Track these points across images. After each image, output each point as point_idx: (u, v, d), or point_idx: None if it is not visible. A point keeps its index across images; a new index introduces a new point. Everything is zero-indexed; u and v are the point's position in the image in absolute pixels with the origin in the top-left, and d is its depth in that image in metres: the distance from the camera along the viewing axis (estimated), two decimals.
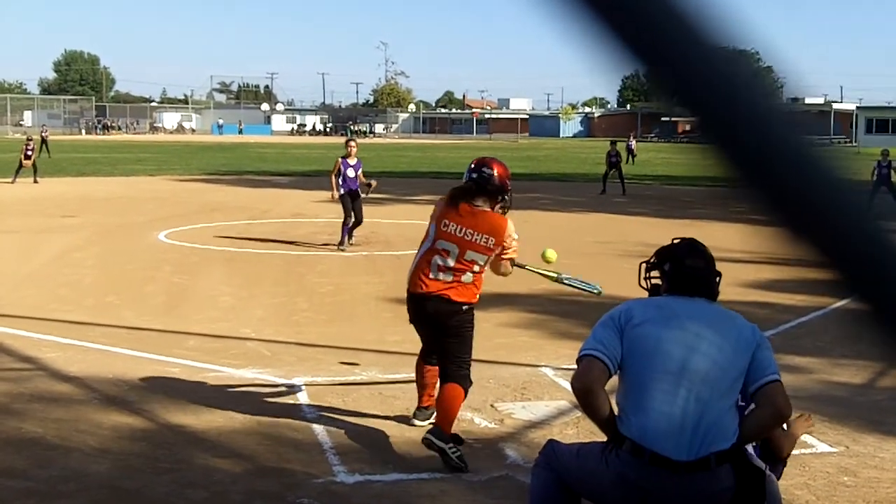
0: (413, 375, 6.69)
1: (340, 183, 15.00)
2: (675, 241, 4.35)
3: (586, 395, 3.97)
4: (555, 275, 6.82)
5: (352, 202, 15.05)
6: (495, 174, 6.26)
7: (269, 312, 10.15)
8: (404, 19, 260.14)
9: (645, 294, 4.46)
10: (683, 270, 4.19)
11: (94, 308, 10.20)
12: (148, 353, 8.19)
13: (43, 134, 43.79)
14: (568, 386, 7.38)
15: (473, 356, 8.22)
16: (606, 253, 14.99)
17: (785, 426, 4.26)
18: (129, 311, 10.05)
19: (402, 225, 18.84)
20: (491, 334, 9.15)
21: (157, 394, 7.00)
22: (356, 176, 15.08)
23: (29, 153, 30.04)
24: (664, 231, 16.66)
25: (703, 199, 26.48)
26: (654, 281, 4.45)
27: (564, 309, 10.47)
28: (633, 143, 52.51)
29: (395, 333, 9.17)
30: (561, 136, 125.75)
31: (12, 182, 29.18)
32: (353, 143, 15.36)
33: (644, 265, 4.51)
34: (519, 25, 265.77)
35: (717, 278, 4.23)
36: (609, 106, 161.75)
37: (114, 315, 9.84)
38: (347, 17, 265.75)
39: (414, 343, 8.74)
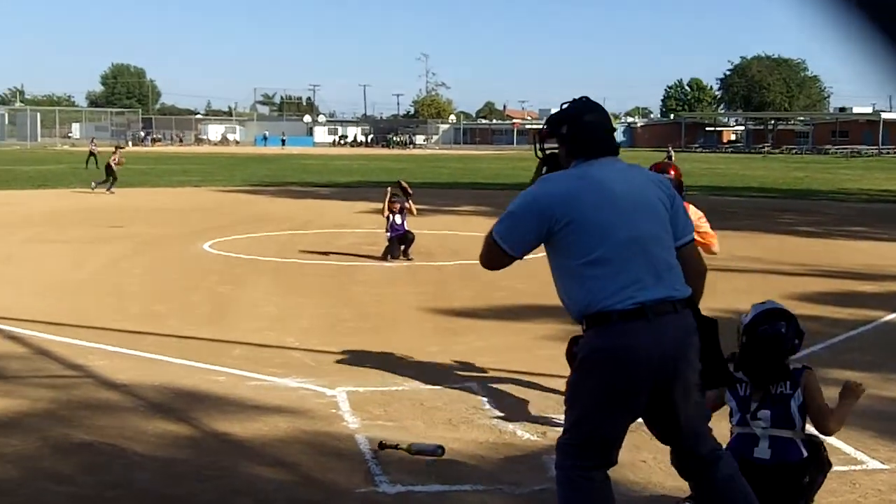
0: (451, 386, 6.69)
1: (389, 227, 15.23)
2: (566, 104, 4.30)
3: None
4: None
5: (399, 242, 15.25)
6: (672, 177, 6.59)
7: (313, 322, 10.22)
8: (445, 31, 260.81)
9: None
10: (585, 128, 4.21)
11: (141, 317, 10.32)
12: (194, 361, 8.27)
13: (92, 147, 44.15)
14: None
15: (515, 368, 8.26)
16: None
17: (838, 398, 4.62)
18: (176, 320, 10.16)
19: (443, 236, 18.90)
20: (531, 346, 9.17)
21: (203, 402, 7.07)
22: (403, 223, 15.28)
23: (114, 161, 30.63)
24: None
25: (750, 210, 26.25)
26: (550, 150, 4.49)
27: None
28: (672, 153, 52.33)
29: (436, 344, 9.21)
30: None
31: (110, 192, 29.59)
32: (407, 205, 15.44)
33: (537, 134, 4.52)
34: (559, 35, 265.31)
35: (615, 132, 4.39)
36: (652, 116, 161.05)
37: (160, 324, 9.96)
38: (389, 30, 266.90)
39: (456, 355, 8.79)
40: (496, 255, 4.32)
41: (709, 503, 4.27)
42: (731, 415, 4.78)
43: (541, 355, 8.71)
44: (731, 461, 4.22)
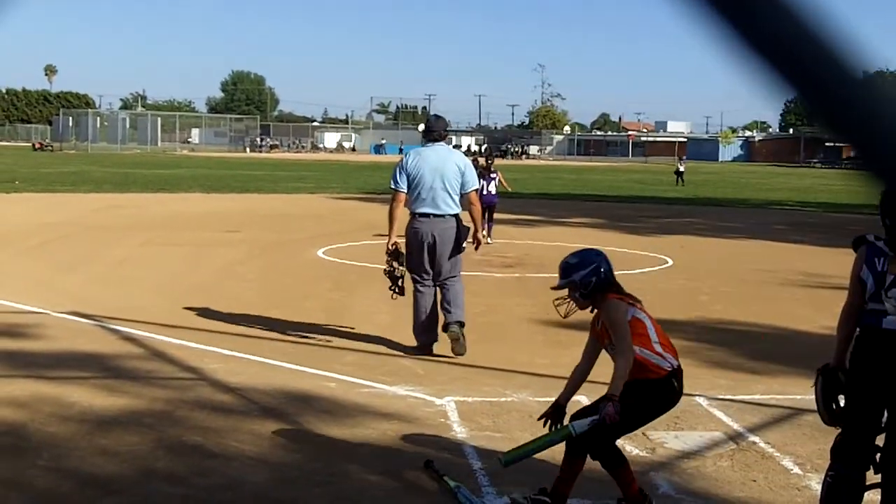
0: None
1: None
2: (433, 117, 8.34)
3: None
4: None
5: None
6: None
7: None
8: (562, 42, 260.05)
9: None
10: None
11: (256, 321, 10.50)
12: (306, 367, 8.38)
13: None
14: (723, 416, 7.24)
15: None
16: (766, 281, 14.60)
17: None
18: (289, 325, 10.31)
19: (554, 247, 18.77)
20: None
21: (314, 407, 7.16)
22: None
23: None
24: (826, 260, 16.29)
25: (870, 229, 25.34)
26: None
27: (720, 337, 10.25)
28: (682, 166, 51.58)
29: (546, 356, 9.15)
30: (720, 160, 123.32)
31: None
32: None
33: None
34: (676, 46, 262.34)
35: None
36: (770, 130, 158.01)
37: (274, 328, 10.11)
38: (505, 40, 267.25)
39: (565, 367, 8.69)
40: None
41: None
42: (865, 291, 4.66)
43: None
44: None
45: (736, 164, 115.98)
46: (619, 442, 6.46)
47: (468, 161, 9.55)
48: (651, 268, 15.60)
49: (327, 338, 9.71)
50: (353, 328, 10.27)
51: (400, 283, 9.42)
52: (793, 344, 9.98)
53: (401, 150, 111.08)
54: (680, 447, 6.45)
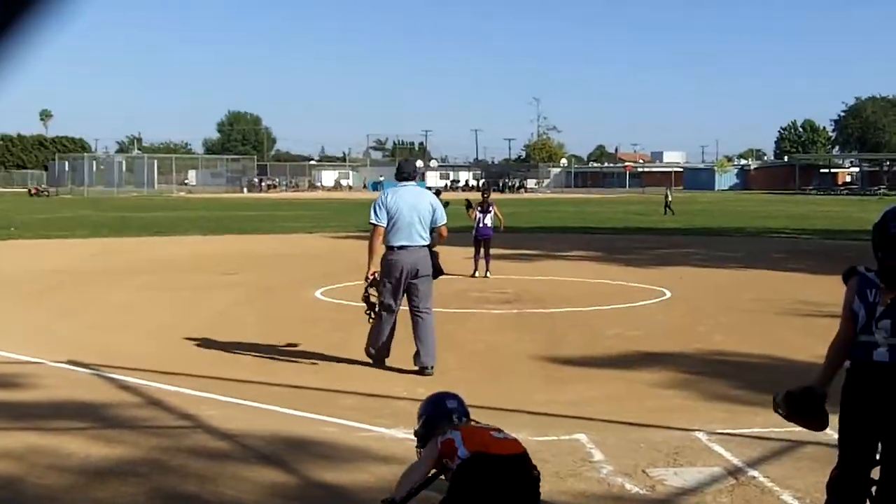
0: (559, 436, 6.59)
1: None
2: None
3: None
4: None
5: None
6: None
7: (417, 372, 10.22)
8: (556, 75, 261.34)
9: None
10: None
11: (253, 365, 10.47)
12: (304, 411, 8.33)
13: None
14: (723, 451, 7.20)
15: (624, 418, 8.11)
16: (764, 311, 14.58)
17: None
18: (287, 369, 10.28)
19: (553, 282, 18.80)
20: (643, 395, 9.02)
21: (312, 453, 7.11)
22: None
23: None
24: (824, 288, 16.25)
25: (865, 255, 25.32)
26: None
27: (719, 369, 10.23)
28: (670, 195, 52.08)
29: (545, 392, 9.13)
30: (716, 188, 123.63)
31: None
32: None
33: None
34: (671, 76, 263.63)
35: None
36: (766, 158, 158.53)
37: (271, 372, 10.08)
38: (500, 75, 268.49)
39: (564, 405, 8.68)
40: None
41: None
42: (857, 323, 4.65)
43: (650, 405, 8.57)
44: None
45: (732, 192, 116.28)
46: (619, 479, 6.43)
47: (437, 200, 10.66)
48: (649, 300, 15.57)
49: (325, 380, 9.67)
50: (350, 370, 10.24)
51: (376, 309, 10.24)
52: (792, 374, 9.88)
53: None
54: (679, 484, 6.41)
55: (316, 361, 10.78)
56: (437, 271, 10.45)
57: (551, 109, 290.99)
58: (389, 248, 10.13)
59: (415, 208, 10.14)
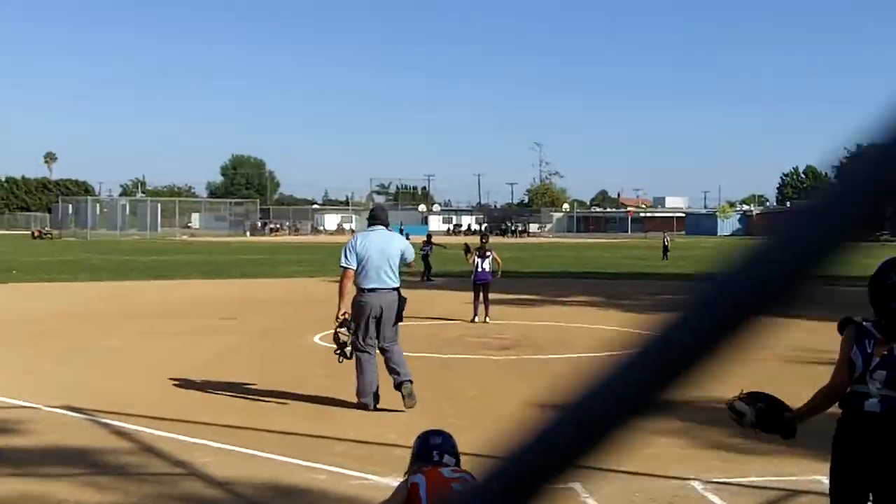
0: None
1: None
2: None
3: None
4: None
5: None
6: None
7: (415, 417, 10.15)
8: (558, 120, 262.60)
9: None
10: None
11: (247, 411, 10.43)
12: (296, 458, 8.29)
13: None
14: (718, 501, 7.14)
15: (620, 466, 8.05)
16: (764, 358, 14.48)
17: None
18: (280, 415, 10.23)
19: (552, 328, 18.75)
20: (638, 444, 8.95)
21: (304, 501, 7.08)
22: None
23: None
24: (824, 335, 16.11)
25: (866, 302, 25.27)
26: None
27: (715, 416, 10.08)
28: (668, 239, 52.46)
29: None
30: (718, 234, 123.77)
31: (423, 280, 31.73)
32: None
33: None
34: (673, 122, 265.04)
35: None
36: (768, 203, 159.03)
37: (265, 419, 10.03)
38: (502, 120, 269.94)
39: None
40: None
41: None
42: (854, 372, 4.68)
43: (648, 454, 8.50)
44: None
45: (735, 237, 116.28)
46: None
47: (406, 242, 11.28)
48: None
49: (318, 426, 9.63)
50: (343, 416, 10.20)
51: (345, 349, 10.72)
52: None
53: (401, 231, 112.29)
54: None
55: (310, 407, 10.75)
56: (399, 318, 10.77)
57: (553, 154, 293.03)
58: (360, 291, 10.64)
59: (383, 252, 10.65)
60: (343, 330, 10.70)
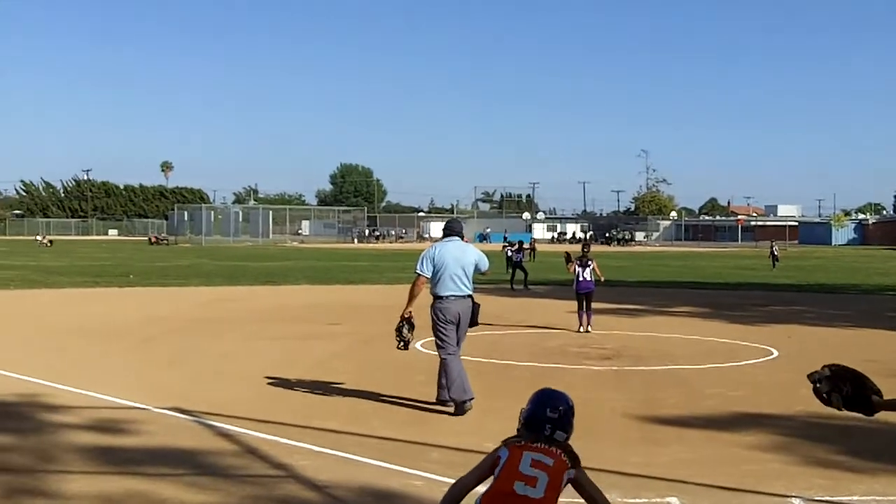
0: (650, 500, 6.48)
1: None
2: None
3: None
4: None
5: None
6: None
7: (510, 426, 10.09)
8: (666, 126, 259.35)
9: None
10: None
11: (348, 416, 10.58)
12: (394, 464, 8.37)
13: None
14: None
15: (719, 482, 7.94)
16: (875, 372, 13.93)
17: None
18: (380, 421, 10.35)
19: (655, 339, 18.55)
20: (738, 459, 8.82)
21: None
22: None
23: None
24: None
25: None
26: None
27: (820, 433, 9.93)
28: (776, 248, 51.55)
29: (639, 455, 8.98)
30: (833, 243, 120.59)
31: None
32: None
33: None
34: (787, 129, 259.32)
35: None
36: (885, 212, 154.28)
37: (365, 424, 10.16)
38: (608, 127, 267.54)
39: (658, 467, 8.54)
40: None
41: None
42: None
43: (746, 469, 8.37)
44: None
45: (849, 247, 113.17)
46: None
47: (480, 252, 11.60)
48: (755, 359, 15.26)
49: (416, 433, 9.72)
50: (441, 423, 10.28)
51: (406, 341, 11.71)
52: None
53: (505, 238, 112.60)
54: None
55: (409, 413, 10.87)
56: (474, 322, 11.36)
57: (660, 162, 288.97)
58: (438, 298, 11.15)
59: (459, 261, 11.13)
60: (407, 327, 11.57)
